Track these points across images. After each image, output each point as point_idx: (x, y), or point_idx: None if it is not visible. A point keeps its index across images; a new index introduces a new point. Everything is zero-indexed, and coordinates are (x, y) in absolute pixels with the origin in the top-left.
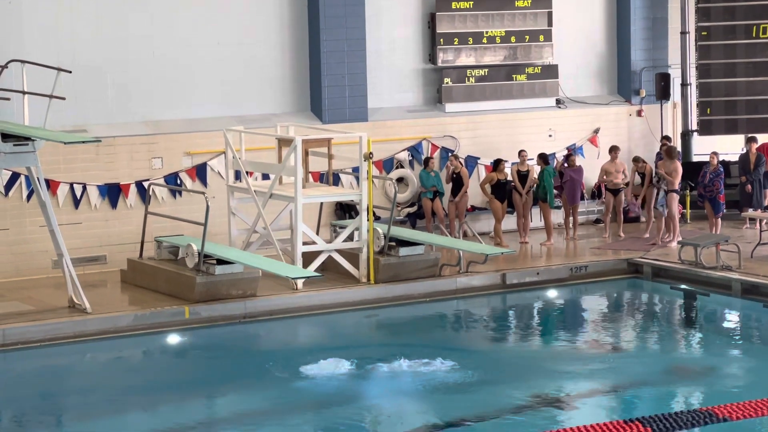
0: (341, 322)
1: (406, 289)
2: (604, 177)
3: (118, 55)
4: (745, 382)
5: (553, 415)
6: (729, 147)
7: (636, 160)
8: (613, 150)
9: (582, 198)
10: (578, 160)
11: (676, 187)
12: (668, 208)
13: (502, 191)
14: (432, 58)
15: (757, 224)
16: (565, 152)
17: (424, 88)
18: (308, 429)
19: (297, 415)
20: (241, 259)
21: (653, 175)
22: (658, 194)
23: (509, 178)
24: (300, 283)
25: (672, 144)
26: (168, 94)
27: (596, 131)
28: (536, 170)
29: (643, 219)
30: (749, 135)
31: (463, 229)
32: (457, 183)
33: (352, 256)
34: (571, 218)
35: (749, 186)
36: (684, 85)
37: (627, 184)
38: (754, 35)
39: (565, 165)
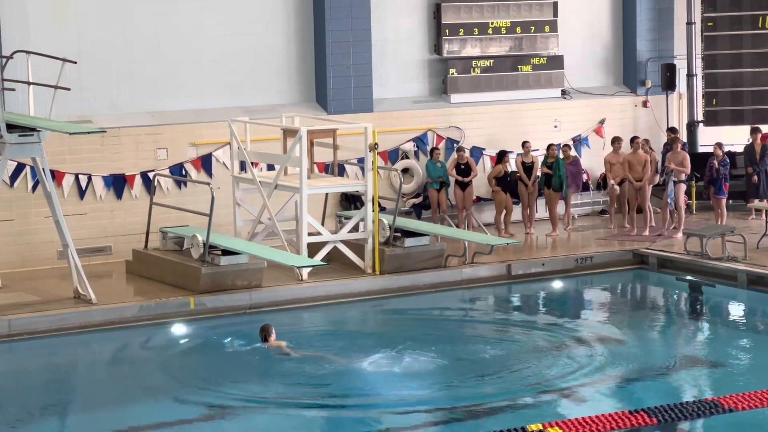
0: (346, 313)
1: (412, 280)
2: (609, 169)
3: (123, 45)
4: (750, 372)
5: (559, 405)
6: (734, 138)
7: (648, 142)
8: (616, 141)
9: (586, 189)
10: (584, 152)
11: (684, 177)
12: (675, 198)
13: (506, 182)
14: (437, 48)
15: (763, 215)
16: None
17: (429, 79)
18: (312, 419)
19: (300, 405)
20: (246, 250)
21: (661, 166)
22: (666, 185)
23: (513, 168)
24: (305, 273)
25: (678, 135)
26: (173, 85)
27: (602, 122)
28: (539, 160)
29: (659, 210)
30: (754, 126)
31: (469, 220)
32: (466, 172)
33: (357, 247)
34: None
35: (756, 177)
36: (690, 75)
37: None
38: (760, 26)
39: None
